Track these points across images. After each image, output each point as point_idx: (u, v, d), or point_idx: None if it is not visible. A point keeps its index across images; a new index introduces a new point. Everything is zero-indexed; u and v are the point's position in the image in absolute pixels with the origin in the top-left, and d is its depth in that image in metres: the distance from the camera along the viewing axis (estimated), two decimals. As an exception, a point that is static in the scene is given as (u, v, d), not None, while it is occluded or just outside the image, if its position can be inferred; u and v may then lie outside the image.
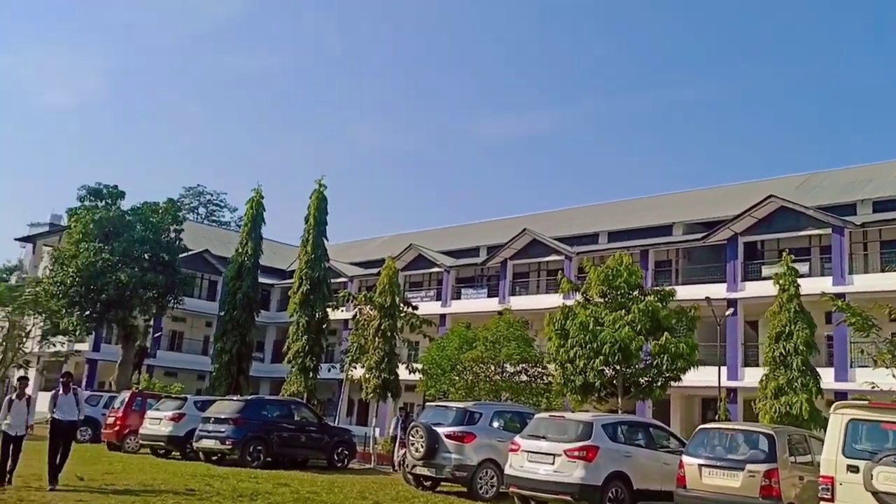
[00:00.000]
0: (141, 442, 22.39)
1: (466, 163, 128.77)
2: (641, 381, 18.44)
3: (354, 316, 26.43)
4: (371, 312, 25.15)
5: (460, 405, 16.06)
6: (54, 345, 45.19)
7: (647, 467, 13.39)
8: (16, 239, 56.00)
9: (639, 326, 17.52)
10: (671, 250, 37.88)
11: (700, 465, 11.73)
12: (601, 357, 17.43)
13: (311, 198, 28.26)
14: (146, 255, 32.06)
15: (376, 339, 24.02)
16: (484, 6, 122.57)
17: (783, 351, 17.67)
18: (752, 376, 30.67)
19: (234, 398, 21.78)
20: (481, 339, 21.27)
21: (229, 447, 19.23)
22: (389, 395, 23.92)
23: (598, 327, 17.69)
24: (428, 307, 38.53)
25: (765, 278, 32.90)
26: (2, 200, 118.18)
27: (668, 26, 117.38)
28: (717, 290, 32.37)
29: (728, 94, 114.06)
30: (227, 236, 57.47)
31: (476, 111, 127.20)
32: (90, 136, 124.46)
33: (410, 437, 15.56)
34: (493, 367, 20.76)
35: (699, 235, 35.85)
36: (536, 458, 13.27)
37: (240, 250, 31.16)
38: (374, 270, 46.43)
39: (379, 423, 27.77)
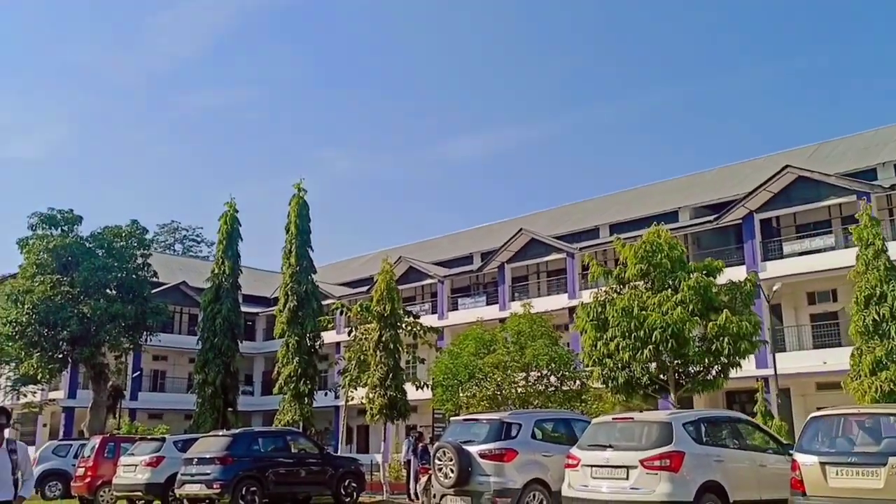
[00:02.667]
0: (115, 494, 19.33)
1: (443, 182, 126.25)
2: (694, 370, 15.73)
3: (350, 332, 23.57)
4: (368, 326, 22.34)
5: (493, 416, 13.26)
6: (24, 395, 42.00)
7: (742, 473, 10.73)
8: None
9: (690, 307, 14.85)
10: (679, 236, 35.22)
11: (823, 464, 9.05)
12: (650, 347, 14.69)
13: (290, 204, 25.38)
14: (112, 285, 28.95)
15: (377, 353, 21.20)
16: (438, 37, 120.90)
17: (876, 317, 14.92)
18: (786, 362, 28.29)
19: (220, 433, 18.84)
20: (501, 341, 18.48)
21: (217, 491, 16.31)
22: (397, 414, 21.06)
23: (643, 312, 14.98)
24: (424, 321, 35.80)
25: (787, 256, 30.86)
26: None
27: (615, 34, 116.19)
28: (736, 274, 29.95)
29: (704, 92, 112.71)
30: (204, 266, 54.20)
31: (444, 134, 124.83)
32: (59, 185, 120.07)
33: (437, 461, 12.72)
34: (517, 373, 17.90)
35: (710, 218, 33.46)
36: (603, 472, 10.53)
37: (216, 271, 28.11)
38: (363, 289, 43.83)
39: (384, 448, 24.79)
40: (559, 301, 36.23)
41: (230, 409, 27.56)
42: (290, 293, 24.75)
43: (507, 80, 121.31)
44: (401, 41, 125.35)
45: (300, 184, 25.54)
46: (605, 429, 11.26)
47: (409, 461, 20.25)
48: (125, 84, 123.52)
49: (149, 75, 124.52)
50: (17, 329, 26.96)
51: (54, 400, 43.45)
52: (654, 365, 15.52)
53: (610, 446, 10.72)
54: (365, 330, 22.37)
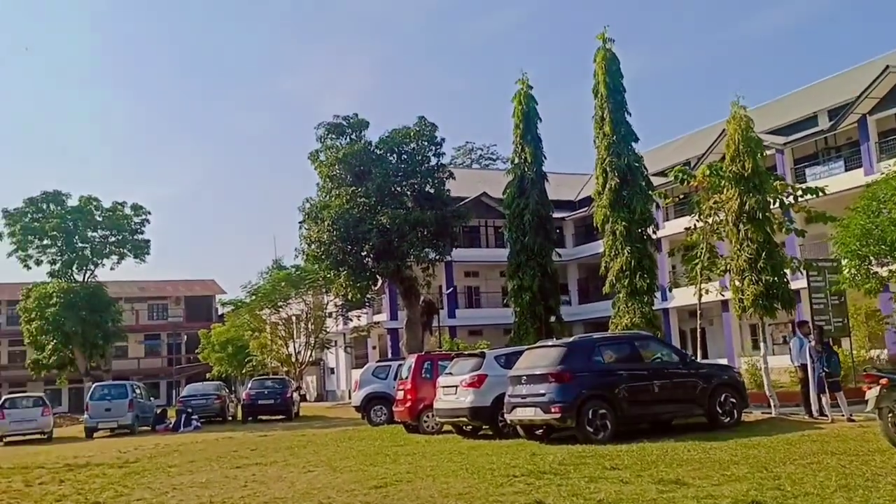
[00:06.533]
0: (439, 419, 16.48)
1: (756, 58, 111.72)
2: None
3: (696, 209, 18.27)
4: (719, 196, 16.89)
5: None
6: (350, 319, 42.71)
7: None
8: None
9: None
10: None
11: None
12: None
13: (595, 61, 20.41)
14: (408, 192, 26.52)
15: (739, 227, 15.81)
16: None
17: None
18: None
19: (550, 343, 14.97)
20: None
21: (557, 415, 12.56)
22: (780, 305, 15.60)
23: None
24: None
25: None
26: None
27: None
28: None
29: None
30: (502, 177, 51.83)
31: (742, 9, 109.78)
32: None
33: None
34: None
35: None
36: None
37: (516, 160, 24.20)
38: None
39: (763, 350, 19.24)
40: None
41: (553, 316, 23.87)
42: (608, 169, 19.91)
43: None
44: None
45: (604, 34, 20.42)
46: None
47: (803, 365, 14.88)
48: (409, 24, 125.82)
49: (428, 12, 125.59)
50: (322, 249, 25.58)
51: (378, 323, 43.84)
52: None
53: None
54: (716, 201, 16.96)
